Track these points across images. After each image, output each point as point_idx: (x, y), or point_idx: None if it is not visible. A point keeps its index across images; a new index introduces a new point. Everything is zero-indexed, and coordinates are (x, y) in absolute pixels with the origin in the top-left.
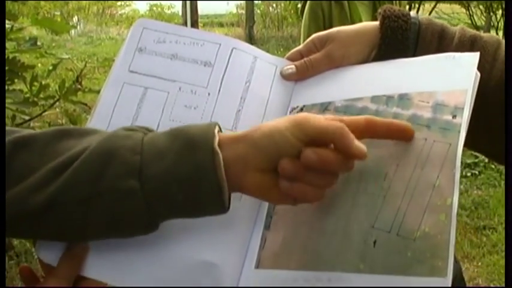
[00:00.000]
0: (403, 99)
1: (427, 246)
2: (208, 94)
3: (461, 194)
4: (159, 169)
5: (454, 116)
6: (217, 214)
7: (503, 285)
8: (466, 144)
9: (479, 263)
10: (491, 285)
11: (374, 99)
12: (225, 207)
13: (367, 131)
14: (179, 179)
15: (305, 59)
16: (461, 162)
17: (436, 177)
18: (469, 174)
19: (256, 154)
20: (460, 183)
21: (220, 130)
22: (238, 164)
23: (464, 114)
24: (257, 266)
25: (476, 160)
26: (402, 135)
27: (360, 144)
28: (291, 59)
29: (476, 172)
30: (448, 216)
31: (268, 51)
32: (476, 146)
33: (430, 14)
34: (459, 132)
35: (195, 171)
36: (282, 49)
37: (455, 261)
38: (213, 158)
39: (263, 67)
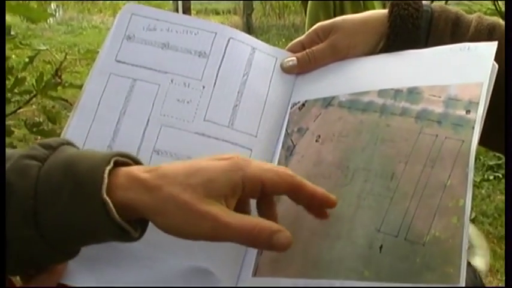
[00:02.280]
0: (413, 93)
1: (437, 251)
2: (203, 87)
3: (483, 199)
4: (54, 216)
5: (468, 111)
6: (130, 242)
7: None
8: (481, 142)
9: (504, 277)
10: (491, 286)
11: (381, 93)
12: (135, 238)
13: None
14: (75, 227)
15: (307, 50)
16: (483, 164)
17: (448, 176)
18: (491, 177)
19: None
20: (482, 187)
21: (129, 159)
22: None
23: (479, 109)
24: (255, 274)
25: (500, 162)
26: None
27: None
28: (292, 50)
29: (500, 175)
30: (461, 219)
31: (268, 42)
32: (492, 144)
33: (446, 2)
34: (473, 128)
35: (89, 220)
36: (283, 39)
37: (474, 268)
38: (103, 208)
39: (262, 59)
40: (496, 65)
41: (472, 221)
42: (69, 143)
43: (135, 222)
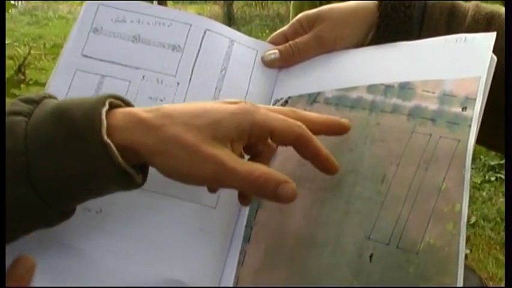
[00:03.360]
0: (405, 88)
1: (432, 260)
2: (177, 84)
3: (484, 202)
4: (49, 169)
5: (464, 108)
6: (132, 189)
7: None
8: (480, 141)
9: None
10: (491, 286)
11: (371, 88)
12: (138, 184)
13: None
14: (74, 178)
15: (290, 42)
16: (484, 165)
17: (443, 179)
18: (493, 178)
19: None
20: (483, 189)
21: (121, 101)
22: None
23: (477, 106)
24: (235, 285)
25: (502, 162)
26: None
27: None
28: (274, 42)
29: (503, 176)
30: (457, 225)
31: (250, 34)
32: (492, 143)
33: None
34: (470, 126)
35: (89, 166)
36: (267, 30)
37: (479, 276)
38: (105, 151)
39: (241, 52)
40: (495, 58)
41: (472, 225)
42: (51, 96)
43: (136, 167)
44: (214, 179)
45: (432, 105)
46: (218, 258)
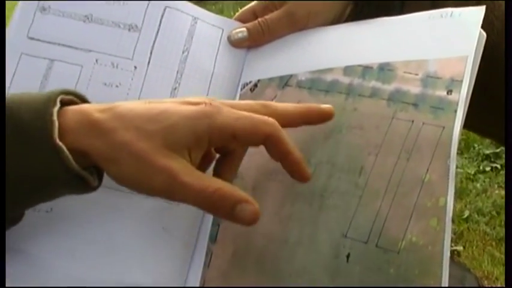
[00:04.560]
0: (384, 70)
1: (414, 260)
2: (135, 67)
3: (478, 195)
4: None
5: (450, 91)
6: (88, 192)
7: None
8: (468, 127)
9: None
10: (491, 286)
11: (347, 70)
12: (94, 187)
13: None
14: (24, 179)
15: (260, 19)
16: (479, 154)
17: (426, 170)
18: (488, 168)
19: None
20: (477, 180)
21: (74, 96)
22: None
23: (463, 89)
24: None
25: (498, 150)
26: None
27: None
28: (242, 19)
29: (498, 166)
30: (441, 221)
31: (221, 13)
32: (483, 129)
33: None
34: (455, 111)
35: (41, 170)
36: (239, 8)
37: (471, 273)
38: (57, 155)
39: (205, 31)
40: (484, 34)
41: (466, 220)
42: None
43: (90, 169)
44: (166, 192)
45: (414, 89)
46: (182, 260)
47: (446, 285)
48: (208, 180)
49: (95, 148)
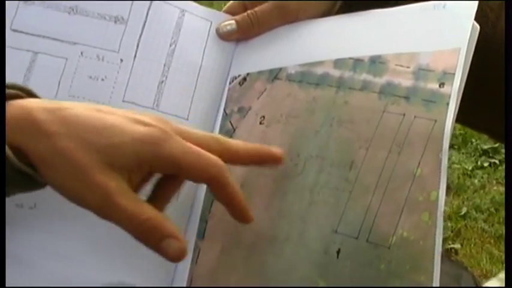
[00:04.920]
0: (376, 62)
1: (405, 255)
2: (121, 60)
3: (476, 191)
4: None
5: (442, 84)
6: (36, 190)
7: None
8: (461, 121)
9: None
10: (491, 286)
11: (338, 63)
12: (42, 183)
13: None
14: None
15: (249, 11)
16: (476, 149)
17: (417, 164)
18: (486, 164)
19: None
20: (475, 176)
21: (22, 91)
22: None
23: (456, 82)
24: (189, 287)
25: (496, 145)
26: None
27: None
28: (231, 12)
29: (497, 161)
30: (433, 216)
31: (211, 6)
32: (477, 124)
33: None
34: (448, 104)
35: None
36: None
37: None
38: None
39: (193, 23)
40: (477, 26)
41: (463, 217)
42: None
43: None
44: (99, 210)
45: (406, 82)
46: None
47: (438, 281)
48: (141, 207)
49: (33, 149)
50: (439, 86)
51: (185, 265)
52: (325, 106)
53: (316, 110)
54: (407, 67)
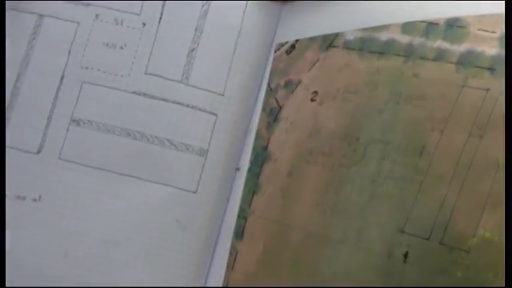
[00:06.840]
0: (453, 27)
1: (488, 260)
2: (143, 25)
3: None
4: None
5: None
6: None
7: None
8: None
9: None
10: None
11: (407, 27)
12: None
13: None
14: None
15: None
16: None
17: (503, 150)
18: None
19: None
20: None
21: None
22: None
23: None
24: None
25: None
26: None
27: None
28: None
29: None
30: None
31: None
32: None
33: None
34: None
35: None
36: None
37: None
38: None
39: None
40: None
41: None
42: None
43: None
44: None
45: (491, 50)
46: (200, 261)
47: None
48: None
49: None
50: None
51: (219, 270)
52: (391, 79)
53: (380, 84)
54: (493, 32)
